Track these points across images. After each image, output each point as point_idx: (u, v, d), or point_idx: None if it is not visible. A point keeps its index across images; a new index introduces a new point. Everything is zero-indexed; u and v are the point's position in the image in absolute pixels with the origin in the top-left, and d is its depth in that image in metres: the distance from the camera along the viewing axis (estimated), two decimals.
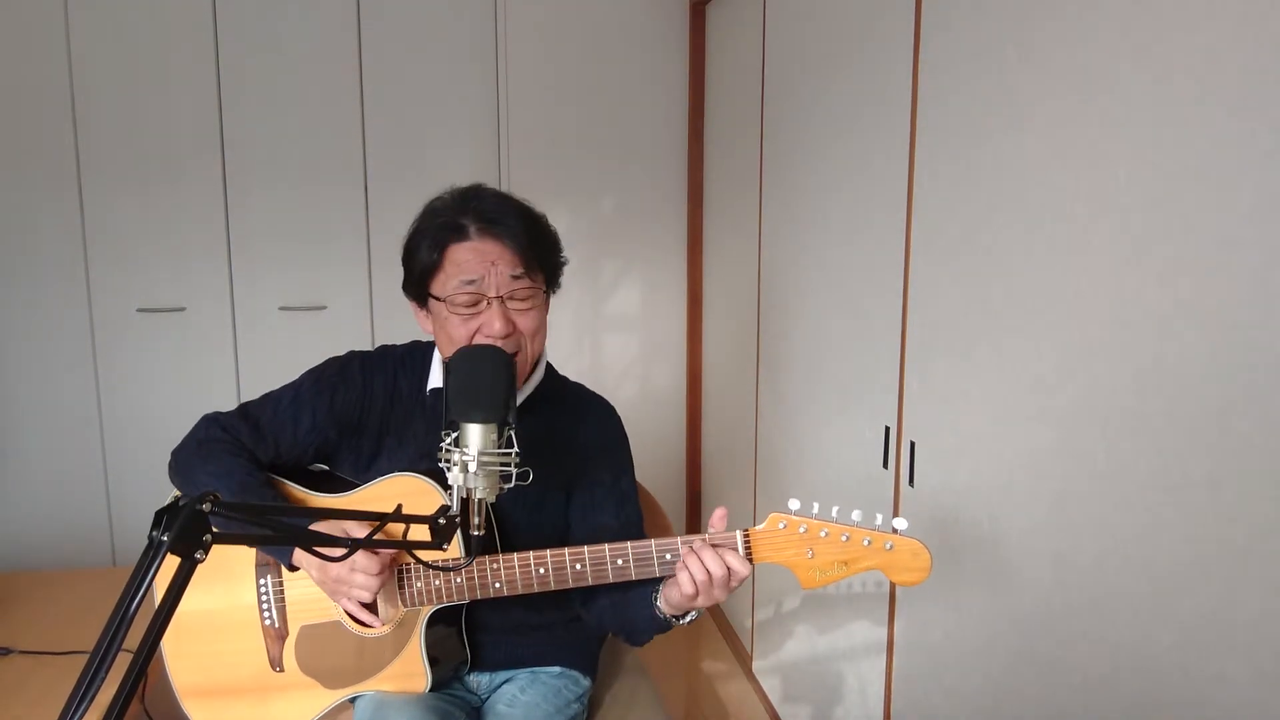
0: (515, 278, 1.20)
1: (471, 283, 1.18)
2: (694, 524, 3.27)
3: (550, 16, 2.99)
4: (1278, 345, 0.87)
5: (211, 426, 1.28)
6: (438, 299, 1.21)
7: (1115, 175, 1.08)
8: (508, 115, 3.00)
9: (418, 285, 1.24)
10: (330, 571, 1.18)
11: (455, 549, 1.19)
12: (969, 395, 1.39)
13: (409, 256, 1.25)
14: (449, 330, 1.21)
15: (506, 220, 1.20)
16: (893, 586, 1.65)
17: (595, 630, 1.43)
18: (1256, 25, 0.89)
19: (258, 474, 1.25)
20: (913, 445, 1.56)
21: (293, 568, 1.25)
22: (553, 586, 1.19)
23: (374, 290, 3.06)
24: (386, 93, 2.98)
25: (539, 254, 1.23)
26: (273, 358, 3.03)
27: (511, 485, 1.04)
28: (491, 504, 1.08)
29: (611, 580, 1.17)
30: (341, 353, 1.38)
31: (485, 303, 1.19)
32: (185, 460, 1.27)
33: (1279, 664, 0.89)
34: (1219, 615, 0.96)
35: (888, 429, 1.65)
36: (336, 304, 3.05)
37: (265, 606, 1.29)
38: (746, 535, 1.13)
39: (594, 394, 1.43)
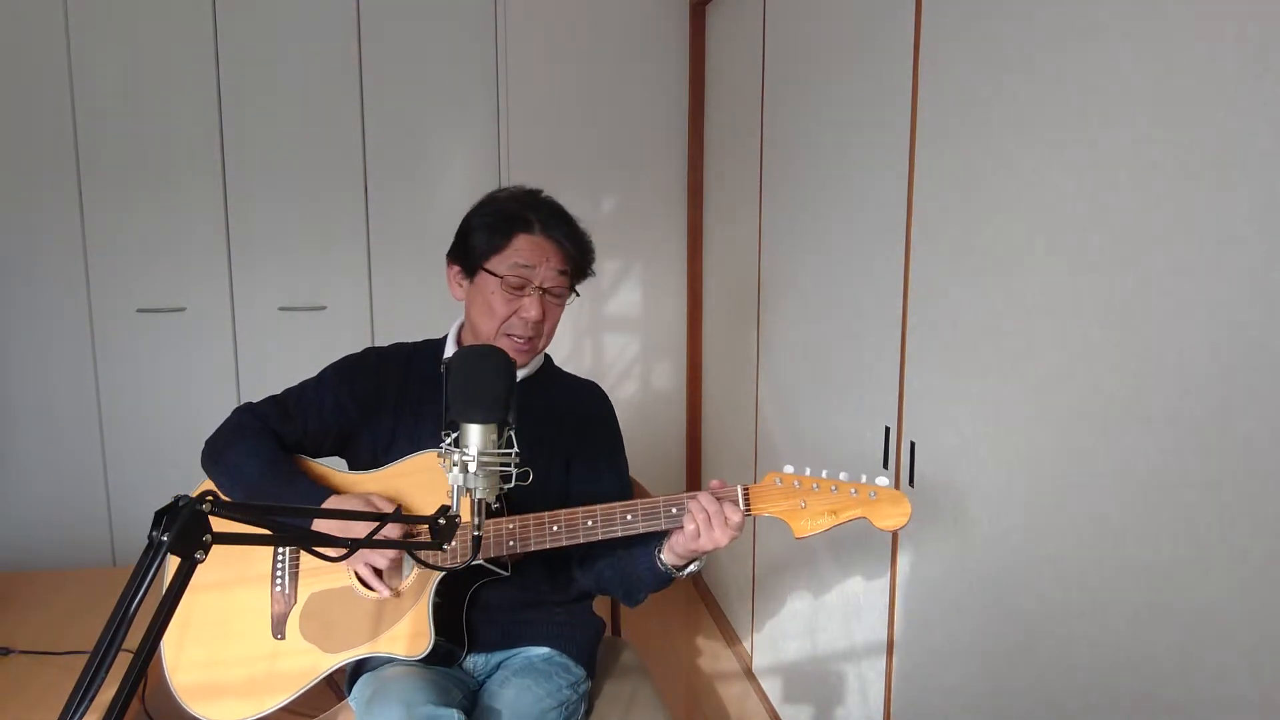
0: (561, 273, 1.38)
1: (526, 268, 1.35)
2: None
3: (550, 17, 3.00)
4: (1278, 345, 0.87)
5: (244, 414, 1.41)
6: (493, 274, 1.36)
7: (1115, 175, 1.08)
8: (508, 116, 3.00)
9: (476, 259, 1.38)
10: (354, 529, 1.25)
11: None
12: (969, 395, 1.39)
13: (469, 231, 1.41)
14: (492, 304, 1.37)
15: (563, 227, 1.40)
16: (893, 587, 1.65)
17: (593, 590, 1.49)
18: (1257, 25, 0.89)
19: (284, 452, 1.37)
20: (913, 445, 1.56)
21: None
22: (564, 542, 1.27)
23: (374, 290, 3.06)
24: (386, 92, 2.98)
25: (580, 262, 1.42)
26: (273, 358, 3.03)
27: (511, 485, 1.05)
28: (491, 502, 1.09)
29: (620, 534, 1.27)
30: (354, 351, 1.51)
31: (529, 289, 1.36)
32: (218, 445, 1.38)
33: (1279, 663, 0.89)
34: (1219, 615, 0.96)
35: (888, 429, 1.65)
36: (336, 304, 3.05)
37: (279, 572, 1.35)
38: (746, 489, 1.26)
39: (583, 378, 1.59)
